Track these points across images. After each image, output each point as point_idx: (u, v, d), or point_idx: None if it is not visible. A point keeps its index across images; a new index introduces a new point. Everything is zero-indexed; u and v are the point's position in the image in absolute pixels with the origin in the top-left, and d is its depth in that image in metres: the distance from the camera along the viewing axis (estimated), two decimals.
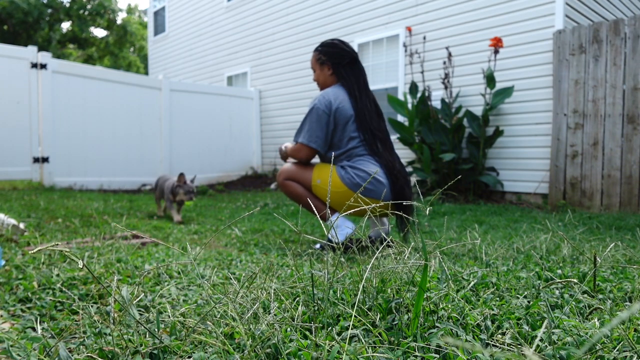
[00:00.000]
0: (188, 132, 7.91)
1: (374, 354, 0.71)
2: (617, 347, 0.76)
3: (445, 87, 5.84)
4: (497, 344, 0.76)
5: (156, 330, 0.80)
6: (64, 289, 1.10)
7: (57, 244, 1.81)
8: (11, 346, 0.74)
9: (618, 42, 4.81)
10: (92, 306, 1.05)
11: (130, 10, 27.24)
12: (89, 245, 1.78)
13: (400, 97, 6.65)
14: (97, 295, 1.18)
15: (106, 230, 2.39)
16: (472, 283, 1.08)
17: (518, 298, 1.02)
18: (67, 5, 22.13)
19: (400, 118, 6.64)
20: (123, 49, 26.34)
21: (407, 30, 6.52)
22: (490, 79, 5.44)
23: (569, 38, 5.14)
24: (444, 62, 5.93)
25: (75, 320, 0.99)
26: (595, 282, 1.14)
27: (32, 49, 6.08)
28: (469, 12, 6.03)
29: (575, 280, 0.83)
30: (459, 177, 1.27)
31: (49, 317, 1.03)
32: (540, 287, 1.12)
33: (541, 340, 0.81)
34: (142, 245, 2.00)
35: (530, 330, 0.86)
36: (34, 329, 0.93)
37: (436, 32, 6.33)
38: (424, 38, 6.38)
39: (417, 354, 0.72)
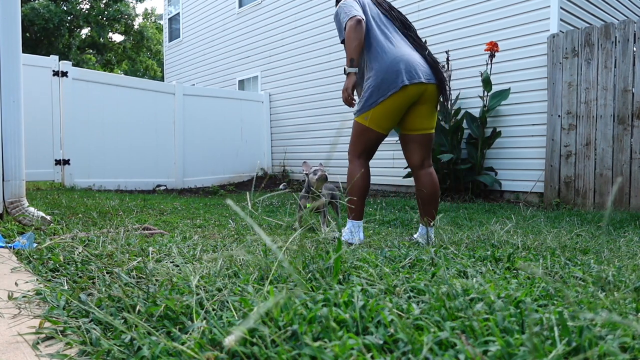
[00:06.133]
0: (201, 135, 8.26)
1: (300, 294, 0.98)
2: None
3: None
4: (396, 294, 1.03)
5: (148, 286, 1.09)
6: (83, 263, 1.40)
7: (78, 232, 2.12)
8: (47, 295, 1.04)
9: (609, 46, 4.99)
10: (104, 274, 1.34)
11: (146, 16, 27.92)
12: (104, 234, 2.09)
13: None
14: (109, 267, 1.47)
15: (120, 223, 2.70)
16: (407, 261, 1.35)
17: (427, 272, 1.29)
18: (86, 11, 22.83)
19: None
20: (140, 54, 27.04)
21: None
22: (486, 82, 5.65)
23: (562, 42, 5.33)
24: (443, 66, 6.14)
25: (92, 282, 1.29)
26: (512, 259, 1.39)
27: (54, 58, 6.49)
28: (468, 17, 6.24)
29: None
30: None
31: (72, 280, 1.32)
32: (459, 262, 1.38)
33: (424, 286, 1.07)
34: (151, 235, 2.30)
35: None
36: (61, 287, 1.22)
37: (436, 36, 6.56)
38: (425, 42, 6.59)
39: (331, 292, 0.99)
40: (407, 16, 7.29)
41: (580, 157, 5.22)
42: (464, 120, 5.92)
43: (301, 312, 0.85)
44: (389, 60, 2.38)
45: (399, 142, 2.72)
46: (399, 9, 2.73)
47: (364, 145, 2.49)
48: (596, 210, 4.96)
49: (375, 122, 2.42)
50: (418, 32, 2.86)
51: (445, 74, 2.51)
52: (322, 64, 8.35)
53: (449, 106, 6.02)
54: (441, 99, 2.56)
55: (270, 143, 9.58)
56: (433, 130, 2.54)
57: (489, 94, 5.77)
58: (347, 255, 1.37)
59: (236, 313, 0.93)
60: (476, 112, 6.03)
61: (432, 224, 2.42)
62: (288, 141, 9.24)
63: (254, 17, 9.89)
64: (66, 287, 1.18)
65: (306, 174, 3.02)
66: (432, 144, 2.55)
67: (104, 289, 1.16)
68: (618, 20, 6.02)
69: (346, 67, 2.39)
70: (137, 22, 26.16)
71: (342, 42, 2.48)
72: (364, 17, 2.40)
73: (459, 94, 6.21)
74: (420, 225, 2.48)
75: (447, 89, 2.50)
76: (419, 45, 2.51)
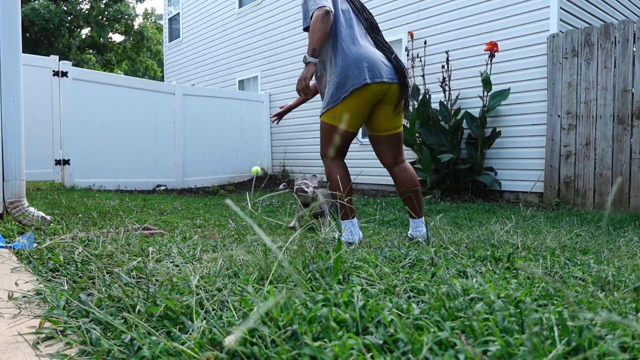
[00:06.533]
0: (201, 135, 8.26)
1: (300, 294, 0.98)
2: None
3: (444, 90, 6.07)
4: (396, 294, 1.03)
5: (148, 286, 1.09)
6: (83, 263, 1.40)
7: (78, 232, 2.12)
8: (47, 295, 1.04)
9: (608, 46, 4.99)
10: (104, 274, 1.34)
11: (146, 16, 27.91)
12: (104, 234, 2.09)
13: None
14: (109, 267, 1.47)
15: (120, 223, 2.71)
16: (407, 260, 1.35)
17: (427, 272, 1.29)
18: (86, 11, 22.83)
19: None
20: (140, 54, 27.04)
21: (409, 35, 6.75)
22: (486, 82, 5.65)
23: (562, 42, 5.33)
24: (443, 66, 6.16)
25: (92, 282, 1.29)
26: (512, 259, 1.39)
27: (54, 58, 6.49)
28: (468, 17, 6.24)
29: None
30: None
31: (72, 280, 1.33)
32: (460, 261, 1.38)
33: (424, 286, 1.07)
34: (151, 235, 2.30)
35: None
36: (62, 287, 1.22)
37: (436, 36, 6.56)
38: (425, 42, 6.61)
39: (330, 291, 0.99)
40: (406, 16, 7.29)
41: (580, 157, 5.22)
42: (464, 120, 5.92)
43: (301, 312, 0.85)
44: (353, 57, 2.36)
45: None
46: (374, 10, 2.70)
47: (335, 146, 2.47)
48: (596, 210, 4.96)
49: (343, 120, 2.40)
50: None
51: (409, 80, 2.49)
52: None
53: (448, 106, 6.03)
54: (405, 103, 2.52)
55: (270, 143, 9.58)
56: (401, 129, 2.53)
57: (489, 94, 5.77)
58: (347, 255, 1.37)
59: (236, 313, 0.93)
60: (476, 112, 6.03)
61: (421, 216, 2.44)
62: (288, 141, 9.24)
63: (254, 17, 9.89)
64: (66, 287, 1.18)
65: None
66: (402, 141, 2.56)
67: (104, 289, 1.16)
68: (618, 20, 6.02)
69: (307, 56, 2.35)
70: (137, 22, 26.17)
71: (306, 29, 2.44)
72: (332, 10, 2.39)
73: (459, 94, 6.21)
74: (411, 220, 2.48)
75: (409, 93, 2.48)
76: (386, 48, 2.50)
